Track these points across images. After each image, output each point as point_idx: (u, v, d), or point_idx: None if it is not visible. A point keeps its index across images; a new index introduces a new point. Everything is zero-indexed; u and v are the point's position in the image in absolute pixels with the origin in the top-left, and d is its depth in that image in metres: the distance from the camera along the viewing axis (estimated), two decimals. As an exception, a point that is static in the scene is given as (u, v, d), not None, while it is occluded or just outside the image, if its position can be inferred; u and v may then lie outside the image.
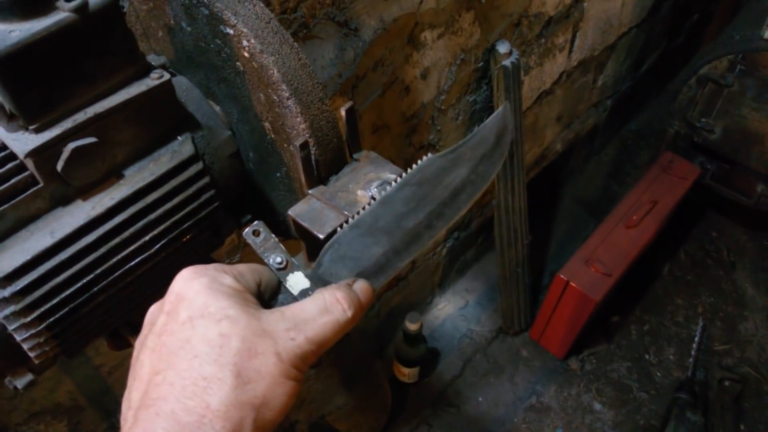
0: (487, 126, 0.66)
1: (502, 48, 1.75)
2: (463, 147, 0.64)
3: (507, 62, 1.75)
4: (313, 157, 0.70)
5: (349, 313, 0.52)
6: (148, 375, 0.47)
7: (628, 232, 2.35)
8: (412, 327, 2.12)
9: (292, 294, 0.56)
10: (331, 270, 0.57)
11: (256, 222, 0.57)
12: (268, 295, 0.56)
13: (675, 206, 2.50)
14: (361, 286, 0.56)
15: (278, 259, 0.55)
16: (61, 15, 0.54)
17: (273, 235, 0.56)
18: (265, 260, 0.56)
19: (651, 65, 3.08)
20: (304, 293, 0.55)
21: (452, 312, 2.64)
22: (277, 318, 0.49)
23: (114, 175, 0.64)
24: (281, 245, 0.56)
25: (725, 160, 2.54)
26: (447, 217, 0.62)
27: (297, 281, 0.55)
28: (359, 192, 0.72)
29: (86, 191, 0.62)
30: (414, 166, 0.61)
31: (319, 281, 0.56)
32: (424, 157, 0.62)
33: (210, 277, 0.50)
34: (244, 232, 0.57)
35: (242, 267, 0.54)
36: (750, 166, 2.44)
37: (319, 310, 0.51)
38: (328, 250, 0.57)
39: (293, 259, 0.56)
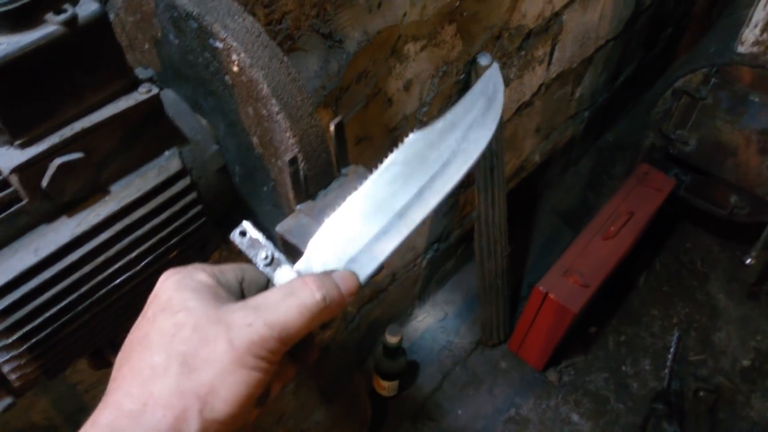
0: (475, 90, 0.62)
1: (484, 60, 1.76)
2: (449, 115, 0.61)
3: (488, 75, 1.75)
4: (301, 172, 0.70)
5: (318, 295, 0.48)
6: (113, 373, 0.46)
7: (605, 244, 2.38)
8: (392, 340, 2.11)
9: None
10: (320, 259, 0.55)
11: (243, 222, 0.56)
12: (254, 292, 0.54)
13: (651, 217, 2.53)
14: (341, 273, 0.53)
15: (263, 255, 0.54)
16: (49, 28, 0.53)
17: (259, 233, 0.55)
18: (251, 258, 0.54)
19: (627, 77, 3.13)
20: None
21: (432, 324, 2.64)
22: (239, 306, 0.47)
23: (100, 190, 0.63)
24: (269, 242, 0.54)
25: (700, 172, 2.58)
26: (438, 190, 0.58)
27: (284, 275, 0.53)
28: (347, 207, 0.71)
29: (72, 207, 0.61)
30: (399, 144, 0.59)
31: (308, 273, 0.54)
32: (410, 134, 0.60)
33: (183, 274, 0.49)
34: (231, 234, 0.56)
35: (225, 265, 0.54)
36: (723, 177, 2.48)
37: (283, 294, 0.48)
38: (315, 241, 0.56)
39: (280, 255, 0.54)
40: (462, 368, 2.53)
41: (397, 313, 2.51)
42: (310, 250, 0.55)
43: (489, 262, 2.30)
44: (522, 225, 2.94)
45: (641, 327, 2.69)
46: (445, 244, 2.47)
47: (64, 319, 0.61)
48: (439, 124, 0.60)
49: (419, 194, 0.57)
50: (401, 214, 0.57)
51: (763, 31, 2.09)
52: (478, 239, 2.24)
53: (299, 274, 0.53)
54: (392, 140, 1.68)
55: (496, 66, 0.64)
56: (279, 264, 0.53)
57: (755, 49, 2.15)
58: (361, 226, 0.56)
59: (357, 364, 2.41)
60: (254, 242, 0.54)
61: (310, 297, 0.48)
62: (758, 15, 2.08)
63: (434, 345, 2.58)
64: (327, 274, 0.52)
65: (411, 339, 2.57)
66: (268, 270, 0.53)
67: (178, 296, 0.46)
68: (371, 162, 1.70)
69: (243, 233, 0.54)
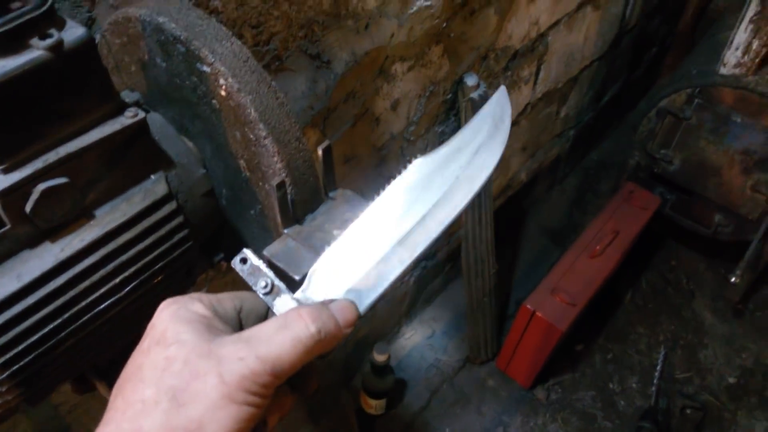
0: (482, 113, 0.60)
1: (470, 81, 1.78)
2: (455, 140, 0.59)
3: (475, 95, 1.77)
4: (289, 196, 0.69)
5: (312, 328, 0.47)
6: (109, 403, 0.46)
7: (591, 262, 2.39)
8: (379, 358, 2.10)
9: None
10: (320, 288, 0.54)
11: (243, 249, 0.55)
12: (253, 321, 0.54)
13: (637, 236, 2.55)
14: (339, 304, 0.52)
15: (263, 283, 0.53)
16: (35, 53, 0.53)
17: (260, 261, 0.54)
18: (251, 285, 0.54)
19: (612, 96, 3.17)
20: None
21: (419, 341, 2.63)
22: (232, 340, 0.46)
23: (85, 215, 0.62)
24: (269, 270, 0.54)
25: (684, 191, 2.61)
26: (442, 219, 0.57)
27: (284, 304, 0.53)
28: (335, 232, 0.71)
29: (55, 232, 0.60)
30: (402, 170, 0.58)
31: (306, 302, 0.54)
32: (414, 160, 0.58)
33: (179, 304, 0.49)
34: (232, 261, 0.55)
35: (223, 294, 0.53)
36: (707, 196, 2.51)
37: (276, 327, 0.47)
38: (315, 269, 0.55)
39: (280, 283, 0.54)
40: (450, 386, 2.52)
41: (384, 331, 2.50)
42: (311, 278, 0.55)
43: (476, 281, 2.30)
44: (509, 242, 2.95)
45: (628, 345, 2.70)
46: (432, 261, 2.47)
47: (46, 346, 0.60)
48: (444, 149, 0.58)
49: (422, 222, 0.56)
50: (403, 243, 0.56)
51: (744, 53, 2.13)
52: (466, 257, 2.24)
53: (299, 302, 0.53)
54: (380, 159, 1.68)
55: (503, 90, 0.63)
56: (279, 293, 0.53)
57: (737, 71, 2.18)
58: (362, 255, 0.55)
59: (344, 382, 2.40)
60: (255, 270, 0.54)
61: (304, 330, 0.47)
62: (739, 37, 2.11)
63: (422, 363, 2.57)
64: (324, 305, 0.51)
65: (398, 356, 2.56)
66: (268, 298, 0.53)
67: (172, 328, 0.46)
68: (359, 180, 1.71)
69: (244, 260, 0.54)
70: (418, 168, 0.58)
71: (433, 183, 0.57)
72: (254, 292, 0.53)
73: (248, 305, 0.54)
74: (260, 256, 0.55)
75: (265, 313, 0.55)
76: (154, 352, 0.45)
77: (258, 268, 0.54)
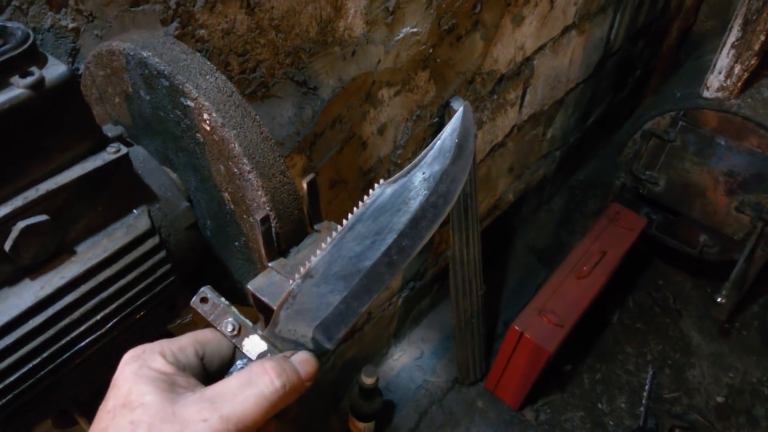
0: (444, 136, 0.57)
1: (456, 104, 1.79)
2: (418, 166, 0.56)
3: (461, 118, 1.78)
4: (273, 229, 0.69)
5: (277, 383, 0.47)
6: None
7: (578, 283, 2.39)
8: (367, 381, 2.09)
9: (250, 359, 0.53)
10: (289, 326, 0.53)
11: (202, 288, 0.54)
12: (218, 364, 0.53)
13: (623, 256, 2.56)
14: (300, 357, 0.52)
15: (229, 327, 0.52)
16: (15, 91, 0.52)
17: (222, 299, 0.53)
18: (218, 328, 0.53)
19: (597, 118, 3.20)
20: (263, 356, 0.52)
21: (408, 362, 2.62)
22: (195, 399, 0.45)
23: (65, 251, 0.61)
24: (233, 308, 0.53)
25: (669, 212, 2.63)
26: (408, 250, 0.55)
27: (254, 345, 0.52)
28: (320, 265, 0.71)
29: (36, 270, 0.59)
30: (365, 198, 0.56)
31: (276, 340, 0.53)
32: (376, 185, 0.56)
33: (140, 362, 0.48)
34: (191, 301, 0.54)
35: (184, 340, 0.52)
36: (693, 217, 2.53)
37: (240, 384, 0.47)
38: (282, 306, 0.54)
39: (247, 322, 0.53)
40: (438, 408, 2.51)
41: (372, 352, 2.48)
42: (278, 315, 0.54)
43: (464, 301, 2.30)
44: (497, 262, 2.96)
45: (616, 364, 2.70)
46: (420, 282, 2.46)
47: (26, 385, 0.59)
48: (406, 177, 0.56)
49: (387, 254, 0.54)
50: (369, 276, 0.54)
51: (727, 77, 2.16)
52: (453, 278, 2.24)
53: (268, 341, 0.52)
54: (367, 182, 1.68)
55: (467, 106, 0.60)
56: (247, 333, 0.52)
57: (720, 95, 2.21)
58: (328, 289, 0.54)
59: (332, 404, 2.38)
60: (217, 309, 0.53)
61: (269, 386, 0.47)
62: (722, 62, 2.15)
63: (410, 384, 2.56)
64: (286, 359, 0.51)
65: (387, 378, 2.55)
66: (236, 339, 0.52)
67: (136, 389, 0.45)
68: (347, 204, 1.70)
69: (204, 299, 0.53)
70: (380, 195, 0.56)
71: (396, 213, 0.55)
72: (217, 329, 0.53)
73: (211, 348, 0.53)
74: (243, 285, 0.54)
75: (230, 354, 0.54)
76: (120, 415, 0.45)
77: (220, 308, 0.53)
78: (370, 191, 0.56)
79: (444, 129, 0.57)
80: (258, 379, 0.47)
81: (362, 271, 0.54)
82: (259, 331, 0.53)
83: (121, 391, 0.46)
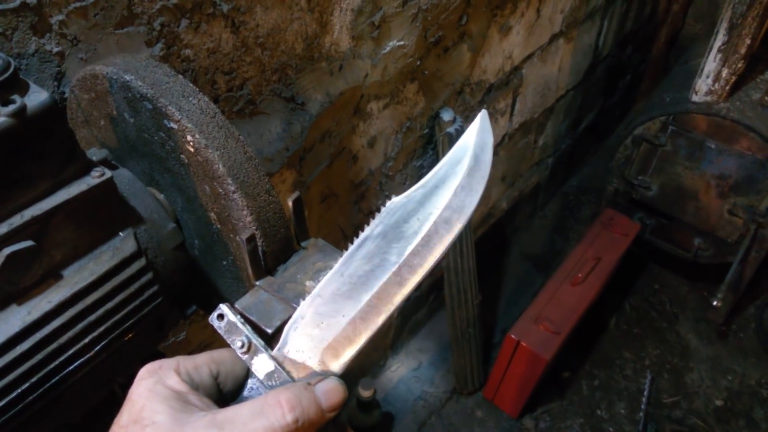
0: (461, 144, 0.54)
1: (446, 116, 1.79)
2: (431, 178, 0.54)
3: (451, 129, 1.79)
4: (260, 248, 0.69)
5: (289, 418, 0.45)
6: None
7: (574, 290, 2.40)
8: (365, 394, 2.08)
9: (259, 380, 0.52)
10: (296, 347, 0.52)
11: (219, 305, 0.54)
12: (232, 384, 0.53)
13: (618, 262, 2.56)
14: (325, 386, 0.49)
15: (239, 343, 0.51)
16: (-3, 120, 0.53)
17: (237, 316, 0.53)
18: (229, 343, 0.53)
19: (588, 124, 3.21)
20: (270, 376, 0.51)
21: (406, 373, 2.61)
22: (205, 423, 0.45)
23: (52, 276, 0.61)
24: (246, 326, 0.52)
25: (663, 216, 2.64)
26: (420, 268, 0.52)
27: (262, 364, 0.51)
28: (308, 283, 0.71)
29: (23, 295, 0.59)
30: (376, 214, 0.54)
31: (284, 361, 0.52)
32: (387, 202, 0.54)
33: (156, 378, 0.48)
34: (210, 318, 0.54)
35: (200, 359, 0.52)
36: (686, 221, 2.54)
37: (252, 413, 0.45)
38: (291, 326, 0.53)
39: (258, 340, 0.52)
40: (437, 418, 2.50)
41: (370, 364, 2.48)
42: (287, 335, 0.52)
43: (460, 311, 2.30)
44: (492, 269, 2.96)
45: (614, 370, 2.70)
46: (416, 293, 2.46)
47: (14, 410, 0.59)
48: (420, 191, 0.54)
49: (398, 273, 0.52)
50: (379, 296, 0.52)
51: (715, 81, 2.17)
52: (449, 288, 2.24)
53: (276, 361, 0.51)
54: (359, 195, 1.69)
55: (485, 114, 0.56)
56: (256, 351, 0.51)
57: (708, 98, 2.23)
58: (336, 309, 0.52)
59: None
60: (232, 327, 0.53)
61: (279, 419, 0.45)
62: (709, 66, 2.16)
63: (409, 395, 2.55)
64: (308, 388, 0.48)
65: (385, 389, 2.54)
66: (245, 357, 0.51)
67: (149, 407, 0.46)
68: (338, 217, 1.70)
69: (221, 317, 0.53)
70: (391, 211, 0.54)
71: (408, 229, 0.53)
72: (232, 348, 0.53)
73: (226, 368, 0.53)
74: (236, 310, 0.54)
75: (244, 375, 0.53)
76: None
77: (235, 325, 0.53)
78: (382, 208, 0.54)
79: (460, 138, 0.55)
80: (270, 411, 0.45)
81: (371, 291, 0.52)
82: (269, 351, 0.52)
83: (135, 407, 0.46)
